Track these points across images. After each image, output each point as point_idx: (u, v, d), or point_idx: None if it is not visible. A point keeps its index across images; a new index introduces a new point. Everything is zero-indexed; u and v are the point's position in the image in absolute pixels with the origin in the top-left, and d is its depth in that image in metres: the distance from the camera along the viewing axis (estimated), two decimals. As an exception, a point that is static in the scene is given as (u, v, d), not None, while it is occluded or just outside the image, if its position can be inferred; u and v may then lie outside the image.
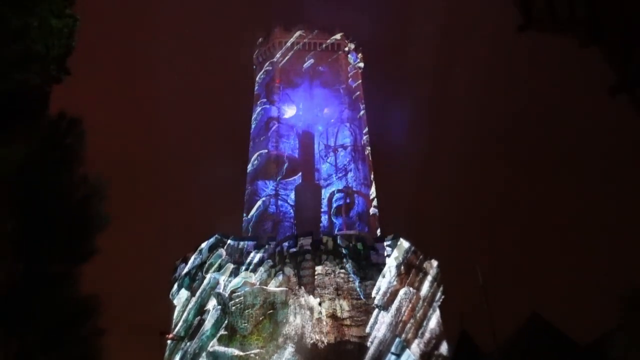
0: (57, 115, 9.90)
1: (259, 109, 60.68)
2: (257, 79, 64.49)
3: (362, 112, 61.58)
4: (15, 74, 8.44)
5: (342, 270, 42.90)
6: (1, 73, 8.21)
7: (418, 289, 43.57)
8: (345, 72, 63.00)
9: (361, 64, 66.33)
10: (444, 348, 42.10)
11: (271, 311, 41.09)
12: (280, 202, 53.78)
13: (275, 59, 62.56)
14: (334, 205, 54.40)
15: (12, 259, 8.41)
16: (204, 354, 40.51)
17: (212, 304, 43.11)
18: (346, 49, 64.45)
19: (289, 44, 63.10)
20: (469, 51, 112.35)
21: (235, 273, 43.64)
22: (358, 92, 63.01)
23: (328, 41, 63.68)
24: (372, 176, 57.58)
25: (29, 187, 8.85)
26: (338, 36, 64.42)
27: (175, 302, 46.43)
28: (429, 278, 44.99)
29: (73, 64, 10.06)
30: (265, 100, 60.63)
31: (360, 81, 64.77)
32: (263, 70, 63.57)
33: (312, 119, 60.30)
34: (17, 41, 8.33)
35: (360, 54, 66.58)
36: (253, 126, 60.56)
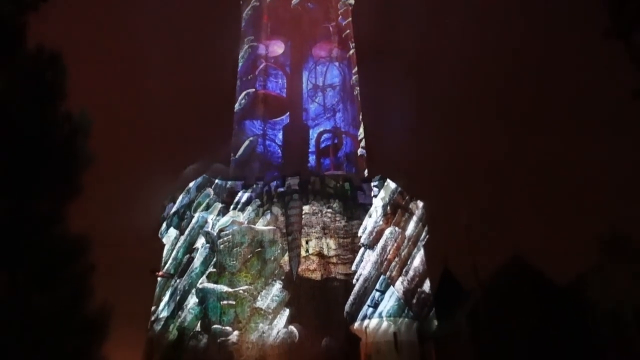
0: (35, 49, 9.46)
1: (245, 46, 59.10)
2: (243, 15, 62.44)
3: (351, 51, 60.32)
4: None
5: (329, 210, 43.43)
6: None
7: (403, 228, 44.36)
8: (335, 9, 61.17)
9: (351, 1, 64.32)
10: (427, 286, 43.44)
11: (259, 249, 41.82)
12: (267, 142, 53.48)
13: (262, -6, 60.42)
14: (322, 145, 54.26)
15: None
16: (193, 291, 41.45)
17: (200, 242, 43.67)
18: (336, -16, 62.28)
19: (277, -22, 60.77)
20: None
21: (223, 212, 44.00)
22: (348, 31, 61.43)
23: (317, -24, 61.38)
24: (360, 117, 57.16)
25: (10, 123, 8.59)
26: (328, -29, 62.08)
27: (164, 240, 46.93)
28: (415, 218, 45.73)
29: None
30: (252, 37, 58.97)
31: (350, 19, 63.02)
32: (250, 6, 61.43)
33: (300, 57, 59.02)
34: None
35: (350, -10, 64.45)
36: (240, 65, 59.17)
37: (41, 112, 9.19)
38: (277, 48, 58.53)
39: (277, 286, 40.47)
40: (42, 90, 9.18)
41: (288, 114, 56.10)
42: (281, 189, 43.84)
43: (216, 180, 45.49)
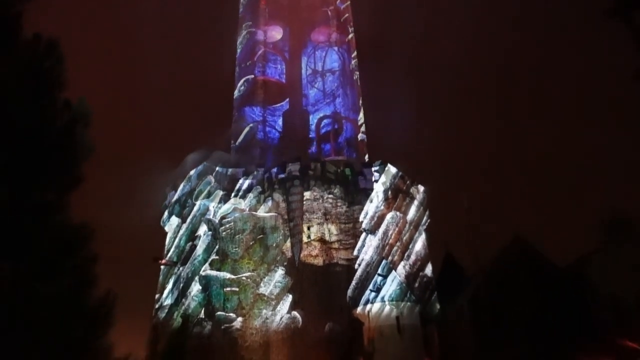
0: (32, 38, 9.37)
1: (244, 32, 58.66)
2: (241, 0, 61.88)
3: (350, 35, 59.85)
4: None
5: (330, 196, 43.45)
6: None
7: (405, 213, 44.39)
8: (333, -8, 60.56)
9: (350, -16, 63.68)
10: (428, 270, 43.60)
11: (261, 236, 41.92)
12: (267, 129, 53.35)
13: (260, -21, 59.80)
14: (322, 131, 54.09)
15: None
16: (196, 278, 41.64)
17: (202, 230, 43.78)
18: (335, -33, 61.60)
19: (274, -38, 60.12)
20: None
21: (224, 199, 44.05)
22: (347, 15, 60.89)
23: (315, -41, 60.66)
24: (360, 101, 56.90)
25: (9, 113, 8.53)
26: (326, -47, 61.37)
27: (166, 228, 47.06)
28: (416, 202, 45.73)
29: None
30: (250, 23, 58.49)
31: (348, 3, 62.43)
32: (248, -9, 60.87)
33: (299, 42, 58.60)
34: None
35: (348, -26, 63.77)
36: (239, 51, 58.77)
37: (40, 101, 9.13)
38: (276, 33, 58.11)
39: (280, 272, 40.65)
40: (40, 79, 9.11)
41: (287, 99, 55.85)
42: (282, 175, 43.81)
43: (217, 168, 45.45)
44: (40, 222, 9.37)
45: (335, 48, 56.90)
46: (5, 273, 8.43)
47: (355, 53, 59.31)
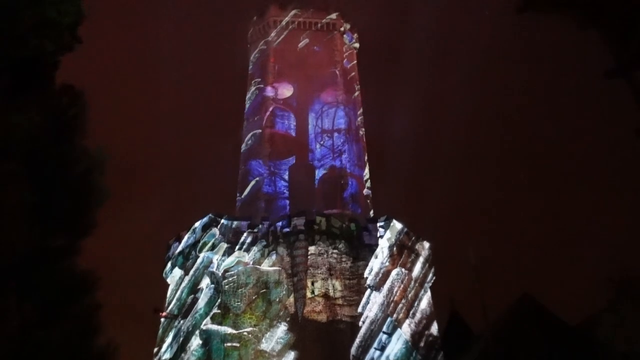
0: (61, 86, 9.82)
1: (253, 88, 60.28)
2: (251, 58, 63.98)
3: (356, 94, 61.36)
4: (32, 40, 8.37)
5: (335, 251, 43.18)
6: (18, 37, 8.12)
7: (410, 269, 43.99)
8: (340, 52, 62.58)
9: (356, 45, 65.92)
10: (434, 328, 42.72)
11: (264, 290, 41.39)
12: (273, 182, 53.77)
13: (269, 38, 62.03)
14: (327, 186, 54.46)
15: (27, 229, 8.41)
16: (197, 332, 40.84)
17: (205, 282, 43.33)
18: (342, 29, 63.96)
19: (284, 22, 62.53)
20: (467, 37, 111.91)
21: (228, 252, 43.79)
22: (353, 73, 62.70)
23: (323, 20, 63.14)
24: (366, 157, 57.63)
25: (35, 157, 8.82)
26: (334, 15, 63.88)
27: (168, 280, 46.63)
28: (421, 259, 45.40)
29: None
30: (259, 79, 60.20)
31: (355, 62, 64.43)
32: (257, 50, 63.03)
33: (306, 100, 60.01)
34: (33, 6, 8.24)
35: (355, 35, 66.15)
36: (247, 106, 60.20)
37: (60, 147, 9.43)
38: (286, 91, 59.60)
39: (282, 328, 39.84)
40: (63, 126, 9.47)
41: (294, 155, 56.60)
42: (287, 229, 43.73)
43: (222, 220, 45.49)
44: (50, 268, 9.44)
45: (342, 107, 58.24)
46: (12, 314, 8.42)
47: (361, 110, 60.60)
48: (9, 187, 8.16)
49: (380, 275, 42.30)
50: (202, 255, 44.24)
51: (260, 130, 56.17)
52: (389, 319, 40.10)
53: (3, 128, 8.06)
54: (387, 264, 42.98)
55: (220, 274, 42.60)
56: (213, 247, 44.18)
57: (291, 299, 41.18)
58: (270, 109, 57.28)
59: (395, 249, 43.88)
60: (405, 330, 39.94)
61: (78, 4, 9.46)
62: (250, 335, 39.44)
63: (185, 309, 43.14)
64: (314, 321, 40.22)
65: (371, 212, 52.79)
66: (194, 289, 43.67)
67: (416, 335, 40.47)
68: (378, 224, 45.23)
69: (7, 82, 8.43)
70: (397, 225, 45.16)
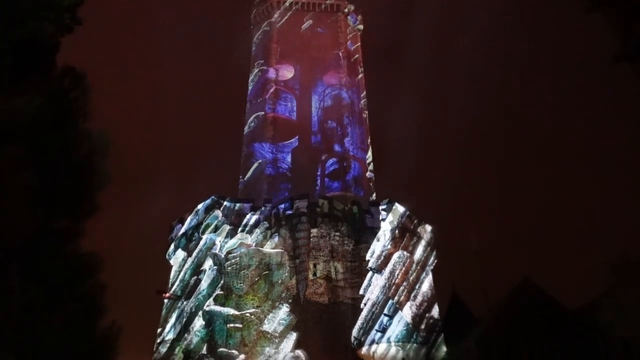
0: (62, 69, 9.77)
1: (256, 70, 59.91)
2: (254, 39, 63.45)
3: (360, 76, 60.94)
4: (31, 22, 8.30)
5: (337, 233, 43.29)
6: (18, 20, 8.05)
7: (412, 252, 44.13)
8: (344, 34, 61.99)
9: (360, 26, 65.27)
10: (435, 311, 43.00)
11: (267, 272, 41.64)
12: (276, 165, 53.73)
13: (273, 19, 61.45)
14: (330, 168, 54.42)
15: (30, 211, 8.44)
16: (200, 313, 41.20)
17: (208, 264, 43.57)
18: (345, 10, 63.28)
19: (287, 3, 61.89)
20: (471, 19, 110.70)
21: (231, 234, 43.96)
22: (357, 55, 62.20)
23: (327, 1, 62.45)
24: (369, 140, 57.44)
25: (37, 140, 8.82)
26: (338, -4, 63.20)
27: (171, 262, 46.91)
28: (423, 242, 45.51)
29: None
30: (262, 61, 59.80)
31: (359, 44, 63.86)
32: (261, 31, 62.50)
33: (309, 81, 59.65)
34: None
35: (359, 16, 65.47)
36: (250, 87, 59.88)
37: (62, 130, 9.42)
38: (287, 72, 59.19)
39: (284, 309, 40.18)
40: (65, 109, 9.43)
41: (297, 137, 56.44)
42: (289, 212, 43.84)
43: (225, 202, 45.57)
44: (53, 250, 9.50)
45: (345, 89, 57.84)
46: (16, 296, 8.51)
47: (364, 93, 60.22)
48: (11, 170, 8.17)
49: (382, 258, 42.46)
50: (205, 237, 44.43)
51: (262, 113, 55.96)
52: (390, 302, 40.35)
53: (4, 111, 8.05)
54: (389, 246, 43.11)
55: (222, 256, 42.83)
56: (216, 229, 44.36)
57: (293, 280, 41.47)
58: (271, 90, 56.95)
59: (397, 231, 43.98)
60: (407, 313, 40.21)
61: None
62: (252, 317, 39.79)
63: (188, 290, 43.46)
64: (316, 303, 40.54)
65: (373, 195, 52.82)
66: (197, 270, 43.94)
67: (417, 318, 40.75)
68: (380, 207, 45.27)
69: (8, 65, 8.40)
70: (399, 208, 45.20)
